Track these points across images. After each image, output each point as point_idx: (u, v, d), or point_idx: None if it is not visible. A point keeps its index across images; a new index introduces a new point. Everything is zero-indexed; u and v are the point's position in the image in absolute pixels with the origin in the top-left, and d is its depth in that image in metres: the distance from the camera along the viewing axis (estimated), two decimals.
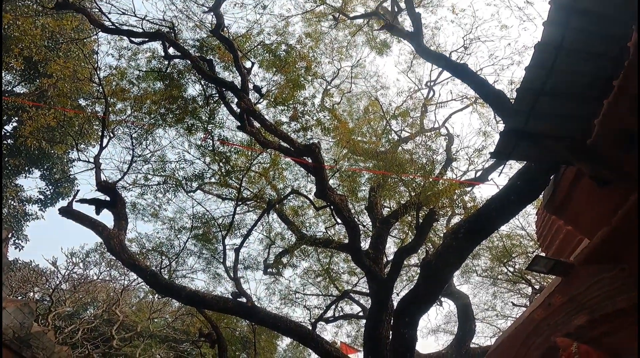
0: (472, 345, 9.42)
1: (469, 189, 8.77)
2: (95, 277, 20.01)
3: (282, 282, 13.01)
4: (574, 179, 4.43)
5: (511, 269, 15.21)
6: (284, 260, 11.32)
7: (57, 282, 18.81)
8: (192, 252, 11.35)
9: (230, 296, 8.20)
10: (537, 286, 14.23)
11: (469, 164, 9.81)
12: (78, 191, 9.88)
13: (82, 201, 8.16)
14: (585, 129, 3.55)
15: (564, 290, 6.57)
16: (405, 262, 10.73)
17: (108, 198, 8.14)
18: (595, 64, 3.08)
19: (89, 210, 8.20)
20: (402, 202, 9.07)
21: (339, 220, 9.20)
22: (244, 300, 7.65)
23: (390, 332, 7.21)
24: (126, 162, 9.85)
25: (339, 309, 13.10)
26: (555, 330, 6.48)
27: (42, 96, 12.21)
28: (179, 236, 10.84)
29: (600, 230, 4.25)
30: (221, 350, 9.55)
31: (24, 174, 15.13)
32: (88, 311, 21.63)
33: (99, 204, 8.05)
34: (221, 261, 9.67)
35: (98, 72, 9.42)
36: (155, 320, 21.45)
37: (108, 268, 19.48)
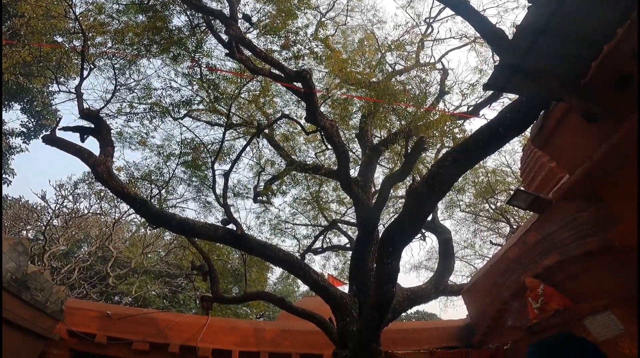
0: (449, 282, 9.92)
1: (459, 122, 8.74)
2: (85, 211, 19.93)
3: (272, 211, 13.26)
4: (562, 116, 4.58)
5: (493, 206, 15.78)
6: (274, 186, 11.39)
7: (49, 218, 18.70)
8: (182, 179, 11.28)
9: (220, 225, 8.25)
10: (515, 226, 14.80)
11: (462, 98, 9.68)
12: (60, 118, 9.55)
13: (66, 129, 7.88)
14: (580, 70, 3.69)
15: (539, 228, 6.84)
16: (392, 193, 11.02)
17: (92, 126, 7.94)
18: (602, 10, 3.06)
19: (73, 139, 7.99)
20: (392, 131, 9.04)
21: (329, 146, 9.19)
22: (233, 227, 7.63)
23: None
24: (109, 92, 9.50)
25: (327, 240, 13.53)
26: (526, 270, 6.86)
27: (15, 35, 11.50)
28: (167, 163, 10.68)
29: (582, 166, 4.39)
30: (213, 282, 9.80)
31: (3, 109, 14.64)
32: (82, 249, 21.86)
33: (83, 132, 7.78)
34: (210, 187, 9.56)
35: (73, 9, 8.84)
36: (149, 256, 21.82)
37: (98, 201, 19.35)
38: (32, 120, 15.65)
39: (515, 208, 15.83)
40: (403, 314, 9.82)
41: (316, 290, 7.48)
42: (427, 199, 4.84)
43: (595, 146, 4.11)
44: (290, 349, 9.82)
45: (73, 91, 8.40)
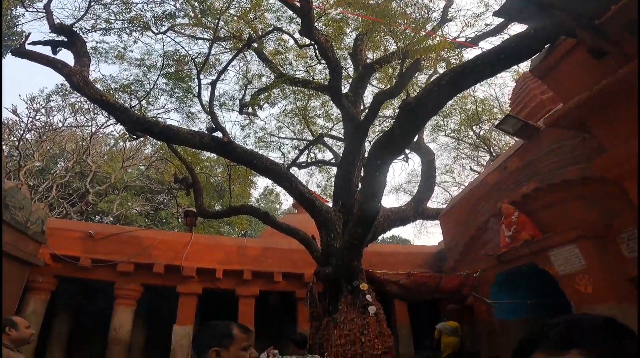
0: (427, 206, 10.18)
1: (457, 50, 8.37)
2: (60, 124, 18.71)
3: (258, 124, 12.98)
4: (568, 51, 4.66)
5: (477, 133, 16.09)
6: (261, 98, 11.02)
7: (22, 132, 17.48)
8: (164, 91, 10.59)
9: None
10: (495, 155, 15.21)
11: (463, 28, 9.17)
12: (30, 33, 8.57)
13: (36, 42, 7.18)
14: (594, 10, 3.70)
15: (523, 154, 6.91)
16: (380, 113, 10.88)
17: (65, 39, 7.25)
18: None
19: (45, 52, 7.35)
20: (388, 53, 8.72)
21: (322, 61, 8.85)
22: (220, 135, 7.36)
23: (361, 175, 7.61)
24: (82, 9, 8.46)
25: (312, 155, 13.44)
26: (503, 197, 7.06)
27: None
28: (148, 75, 9.95)
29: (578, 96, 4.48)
30: (197, 194, 9.69)
31: None
32: (59, 165, 20.88)
33: (55, 45, 7.17)
34: (196, 96, 9.11)
35: None
36: (129, 171, 21.05)
37: (73, 113, 18.00)
38: None
39: (499, 136, 16.48)
40: (379, 238, 10.22)
41: (302, 202, 7.52)
42: (419, 115, 4.76)
43: (594, 82, 4.22)
44: (272, 267, 10.20)
45: (42, 9, 7.56)
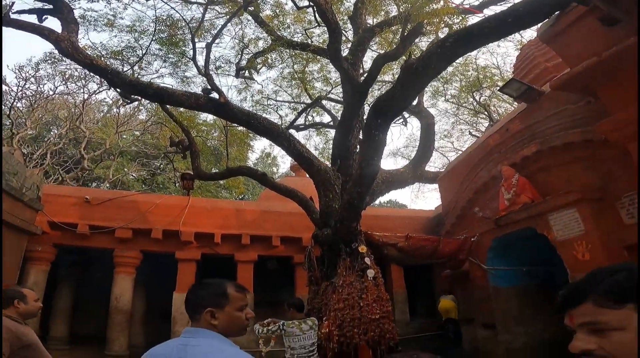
0: (426, 169, 10.12)
1: (461, 17, 8.07)
2: (51, 93, 18.43)
3: (254, 88, 12.77)
4: (577, 18, 4.67)
5: (477, 99, 16.16)
6: (258, 61, 10.73)
7: (12, 100, 17.23)
8: (157, 56, 10.32)
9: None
10: (494, 122, 15.20)
11: None
12: (14, 2, 8.09)
13: (21, 12, 6.83)
14: None
15: (525, 117, 6.85)
16: (380, 78, 10.64)
17: (51, 7, 6.90)
18: None
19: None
20: (389, 17, 8.46)
21: (321, 23, 8.55)
22: (216, 96, 7.18)
23: (360, 138, 7.50)
24: None
25: (310, 118, 13.27)
26: (504, 158, 7.02)
27: None
28: (140, 42, 9.60)
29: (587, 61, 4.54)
30: (193, 157, 9.51)
31: None
32: (52, 132, 20.66)
33: (40, 13, 6.83)
34: (190, 59, 8.91)
35: None
36: (124, 137, 20.93)
37: (64, 81, 17.75)
38: None
39: (499, 102, 16.37)
40: (376, 201, 10.24)
41: (300, 161, 7.43)
42: (422, 75, 4.61)
43: (602, 48, 4.34)
44: (270, 231, 10.19)
45: None
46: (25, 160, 16.12)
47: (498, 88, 14.17)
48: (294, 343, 4.53)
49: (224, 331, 1.45)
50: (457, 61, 13.79)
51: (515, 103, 9.94)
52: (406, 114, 12.22)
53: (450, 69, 13.81)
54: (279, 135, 7.22)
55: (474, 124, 18.38)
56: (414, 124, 30.99)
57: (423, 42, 10.52)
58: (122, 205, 9.83)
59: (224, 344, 1.41)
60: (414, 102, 9.87)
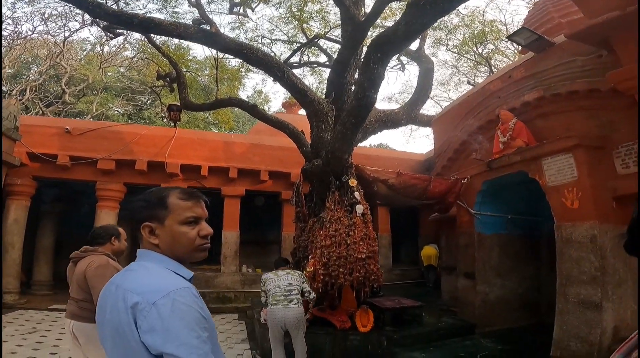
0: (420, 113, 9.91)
1: None
2: (30, 33, 17.60)
3: (248, 27, 12.26)
4: None
5: (479, 51, 16.10)
6: None
7: None
8: None
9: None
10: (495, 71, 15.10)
11: None
12: None
13: None
14: None
15: (530, 65, 6.65)
16: (381, 22, 10.13)
17: None
18: None
19: None
20: None
21: None
22: (207, 27, 6.83)
23: (355, 77, 7.20)
24: None
25: (305, 58, 12.84)
26: (503, 103, 6.85)
27: None
28: None
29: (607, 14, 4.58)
30: (181, 87, 9.05)
31: None
32: (32, 70, 19.87)
33: None
34: None
35: None
36: (109, 74, 20.22)
37: (43, 21, 16.90)
38: None
39: (501, 56, 16.04)
40: (367, 143, 10.13)
41: (294, 92, 7.17)
42: (428, 12, 4.30)
43: (626, 4, 4.35)
44: (259, 165, 10.05)
45: None
46: (4, 96, 15.41)
47: (503, 39, 14.03)
48: (268, 286, 4.62)
49: (169, 251, 1.15)
50: (464, 12, 13.47)
51: (517, 58, 9.75)
52: (405, 60, 11.85)
53: (455, 19, 13.52)
54: (272, 66, 6.86)
55: (473, 75, 18.20)
56: (412, 71, 30.42)
57: None
58: (105, 136, 9.47)
59: (161, 267, 1.12)
60: (415, 47, 9.48)
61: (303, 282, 4.71)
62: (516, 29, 6.86)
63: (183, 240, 1.16)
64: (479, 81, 17.47)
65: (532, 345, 5.79)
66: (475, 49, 15.52)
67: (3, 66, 16.77)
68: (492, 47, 15.65)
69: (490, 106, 7.15)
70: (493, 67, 15.68)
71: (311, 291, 4.73)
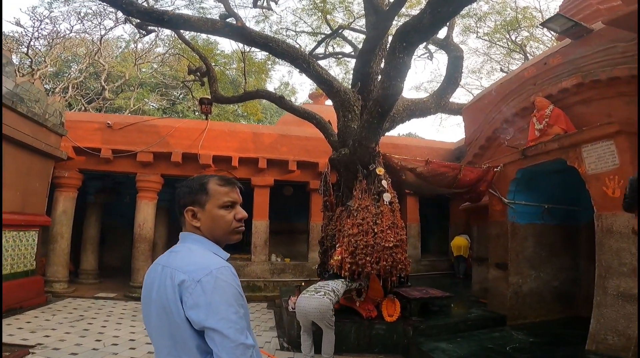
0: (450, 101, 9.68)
1: None
2: (68, 32, 18.43)
3: (273, 20, 12.55)
4: None
5: (512, 38, 15.52)
6: None
7: (29, 40, 17.31)
8: None
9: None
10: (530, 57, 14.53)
11: None
12: None
13: None
14: None
15: (567, 51, 6.38)
16: (406, 10, 9.97)
17: None
18: None
19: None
20: None
21: None
22: (233, 21, 6.97)
23: (381, 67, 7.16)
24: None
25: (330, 49, 12.89)
26: (539, 90, 6.58)
27: None
28: None
29: None
30: (211, 81, 9.39)
31: None
32: (72, 68, 20.96)
33: None
34: None
35: None
36: (143, 70, 21.29)
37: (79, 20, 17.69)
38: None
39: (536, 44, 15.38)
40: (395, 132, 10.03)
41: (319, 83, 7.21)
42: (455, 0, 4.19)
43: None
44: (287, 155, 10.22)
45: None
46: (48, 94, 16.37)
47: (538, 25, 13.42)
48: None
49: (209, 234, 1.26)
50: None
51: (555, 44, 9.35)
52: (432, 49, 11.59)
53: (485, 7, 13.08)
54: (297, 57, 6.94)
55: (507, 63, 17.52)
56: (440, 59, 29.72)
57: None
58: (143, 129, 9.94)
59: (202, 248, 1.23)
60: (442, 36, 9.27)
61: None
62: (551, 13, 6.59)
63: (221, 222, 1.27)
64: (513, 69, 16.91)
65: (565, 338, 5.61)
66: (508, 37, 14.94)
67: (45, 64, 17.82)
68: (526, 34, 15.01)
69: (524, 93, 6.89)
70: (528, 55, 15.05)
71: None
